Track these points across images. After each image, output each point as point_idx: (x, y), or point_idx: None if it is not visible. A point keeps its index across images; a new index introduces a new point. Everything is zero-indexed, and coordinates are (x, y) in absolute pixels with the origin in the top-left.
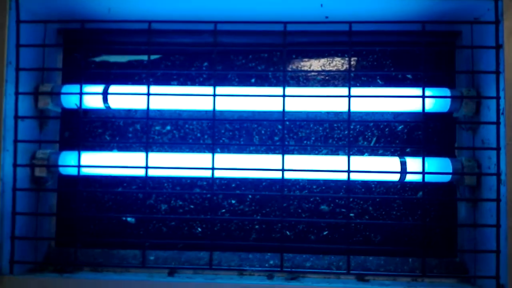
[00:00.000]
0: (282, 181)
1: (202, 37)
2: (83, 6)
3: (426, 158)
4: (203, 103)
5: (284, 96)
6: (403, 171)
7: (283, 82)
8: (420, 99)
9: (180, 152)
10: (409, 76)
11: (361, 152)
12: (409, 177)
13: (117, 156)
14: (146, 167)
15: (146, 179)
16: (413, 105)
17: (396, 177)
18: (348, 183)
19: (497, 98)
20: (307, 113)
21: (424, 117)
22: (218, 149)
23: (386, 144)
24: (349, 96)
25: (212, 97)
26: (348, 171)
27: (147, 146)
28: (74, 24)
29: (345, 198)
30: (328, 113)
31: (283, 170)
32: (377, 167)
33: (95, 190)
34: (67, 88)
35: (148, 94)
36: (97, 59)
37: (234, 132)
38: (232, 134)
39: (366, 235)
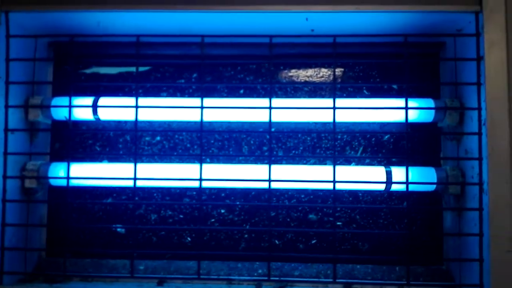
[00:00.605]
0: (269, 191)
1: (191, 48)
2: (73, 21)
3: (411, 168)
4: (192, 114)
5: (270, 108)
6: (389, 181)
7: (270, 94)
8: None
9: (170, 163)
10: (394, 86)
11: (348, 162)
12: (394, 186)
13: (107, 167)
14: (135, 178)
15: (135, 190)
16: (399, 116)
17: (382, 187)
18: (335, 192)
19: (479, 109)
20: (295, 123)
21: (408, 127)
22: (208, 159)
23: (373, 153)
24: (334, 108)
25: (200, 110)
26: (334, 181)
27: (136, 157)
28: (65, 37)
29: (333, 208)
30: (315, 123)
31: (269, 180)
32: (363, 177)
33: (84, 202)
34: (57, 100)
35: (137, 106)
36: (88, 71)
37: (223, 142)
38: (221, 144)
39: (354, 243)
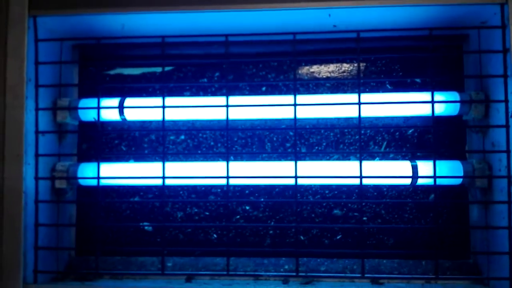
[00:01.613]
0: (296, 188)
1: (213, 48)
2: (97, 23)
3: (437, 162)
4: (216, 112)
5: (295, 105)
6: (415, 175)
7: (294, 91)
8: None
9: (195, 161)
10: (417, 80)
11: (372, 157)
12: (420, 181)
13: (134, 167)
14: (163, 177)
15: (162, 188)
16: (423, 109)
17: (408, 181)
18: (361, 188)
19: (506, 101)
20: (318, 119)
21: (434, 121)
22: (232, 157)
23: (397, 148)
24: (359, 103)
25: (225, 107)
26: (360, 177)
27: (164, 156)
28: (90, 40)
29: (359, 203)
30: (338, 119)
31: (296, 177)
32: (389, 172)
33: (113, 201)
34: (84, 102)
35: (164, 106)
36: (112, 72)
37: (246, 140)
38: (245, 142)
39: (380, 238)
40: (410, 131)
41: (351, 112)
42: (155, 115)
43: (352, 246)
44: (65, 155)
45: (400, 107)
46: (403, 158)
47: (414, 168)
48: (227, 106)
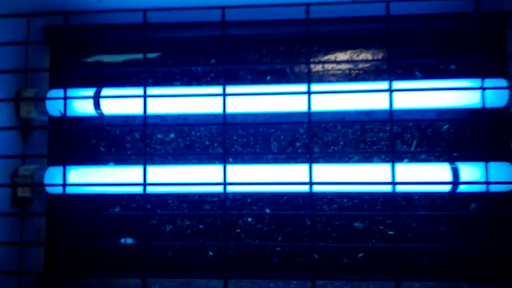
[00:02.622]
0: (311, 196)
1: (208, 29)
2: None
3: (479, 164)
4: (211, 105)
5: (309, 92)
6: (456, 181)
7: (308, 75)
8: (473, 93)
9: (186, 164)
10: (452, 67)
11: (399, 158)
12: (462, 186)
13: (113, 171)
14: (144, 184)
15: (145, 197)
16: (460, 100)
17: (446, 187)
18: (394, 195)
19: None
20: (334, 113)
21: (478, 113)
22: (230, 159)
23: (429, 147)
24: (391, 90)
25: (221, 98)
26: (393, 183)
27: (145, 157)
28: (61, 21)
29: (384, 214)
30: (358, 112)
31: (311, 183)
32: (424, 176)
33: (85, 214)
34: (53, 93)
35: (145, 95)
36: (89, 59)
37: (248, 138)
38: (246, 141)
39: (410, 256)
40: (445, 127)
41: (374, 103)
42: (138, 109)
43: (377, 265)
44: (30, 156)
45: (434, 99)
46: (438, 159)
47: (455, 172)
48: (224, 94)
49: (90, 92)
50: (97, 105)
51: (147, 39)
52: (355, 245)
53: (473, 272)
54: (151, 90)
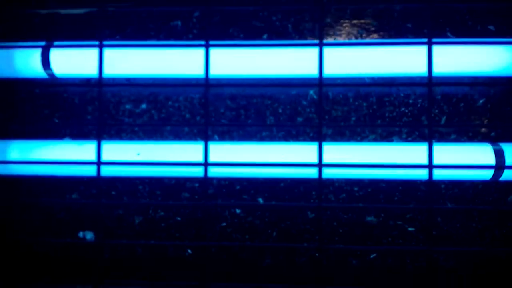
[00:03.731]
0: (319, 182)
1: None
2: None
3: None
4: (192, 66)
5: (321, 44)
6: (502, 165)
7: (319, 20)
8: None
9: (161, 142)
10: (491, 27)
11: (423, 137)
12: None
13: (68, 148)
14: (98, 163)
15: (108, 181)
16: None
17: (487, 173)
18: (430, 182)
19: None
20: (344, 80)
21: None
22: (216, 136)
23: (460, 123)
24: (430, 43)
25: (203, 52)
26: (430, 166)
27: (99, 130)
28: None
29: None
30: (375, 80)
31: (320, 165)
32: (462, 159)
33: (23, 200)
34: None
35: (101, 45)
36: (43, 11)
37: (238, 111)
38: (236, 115)
39: (433, 258)
40: (482, 100)
41: (397, 66)
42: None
43: (393, 268)
44: None
45: (469, 61)
46: (471, 139)
47: (499, 154)
48: (207, 45)
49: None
50: (46, 63)
51: None
52: (370, 248)
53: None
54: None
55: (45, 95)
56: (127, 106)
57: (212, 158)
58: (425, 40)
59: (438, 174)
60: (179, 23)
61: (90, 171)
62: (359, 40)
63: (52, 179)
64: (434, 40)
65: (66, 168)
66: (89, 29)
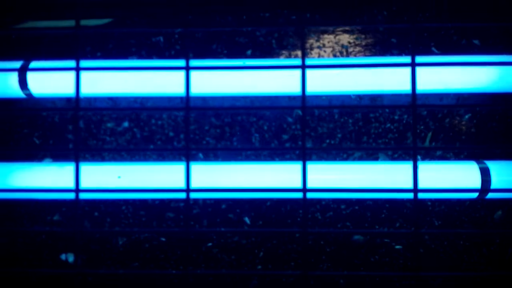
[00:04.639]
0: (304, 207)
1: None
2: None
3: (508, 163)
4: (176, 85)
5: (303, 67)
6: (485, 186)
7: (302, 46)
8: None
9: (143, 162)
10: (476, 42)
11: (408, 154)
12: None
13: (47, 170)
14: (77, 190)
15: (91, 203)
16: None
17: (473, 192)
18: (415, 202)
19: None
20: (330, 98)
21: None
22: (200, 154)
23: (446, 141)
24: (414, 64)
25: (184, 73)
26: (415, 190)
27: (77, 153)
28: None
29: (389, 224)
30: (360, 97)
31: (304, 190)
32: (446, 178)
33: (10, 230)
34: None
35: (78, 68)
36: (20, 25)
37: (223, 128)
38: (221, 132)
39: (419, 277)
40: (467, 116)
41: (381, 85)
42: (84, 88)
43: (382, 286)
44: None
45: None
46: (457, 156)
47: (485, 173)
48: (187, 68)
49: (15, 66)
50: (23, 83)
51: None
52: (357, 273)
53: None
54: (93, 64)
55: (24, 115)
56: (109, 125)
57: (196, 179)
58: (409, 61)
59: (424, 194)
60: (161, 38)
61: (71, 194)
62: (342, 62)
63: (32, 201)
64: (417, 61)
65: (46, 193)
66: (68, 47)
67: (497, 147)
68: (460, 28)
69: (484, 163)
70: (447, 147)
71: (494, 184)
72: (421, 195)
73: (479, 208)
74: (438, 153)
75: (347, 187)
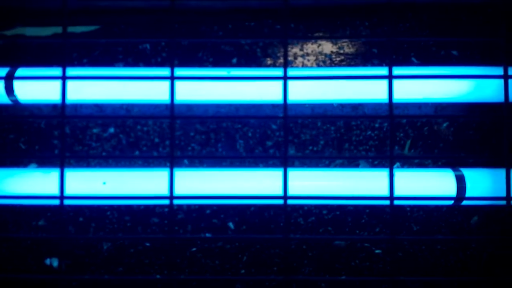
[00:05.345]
0: (285, 213)
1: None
2: None
3: (482, 170)
4: (161, 92)
5: (285, 78)
6: (462, 194)
7: (285, 56)
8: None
9: (128, 169)
10: (454, 52)
11: (388, 162)
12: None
13: (33, 176)
14: (62, 197)
15: (76, 209)
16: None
17: (449, 200)
18: (392, 209)
19: None
20: (313, 105)
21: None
22: (186, 161)
23: (425, 149)
24: (391, 77)
25: (169, 82)
26: (391, 198)
27: (63, 159)
28: None
29: (369, 229)
30: (342, 106)
31: (285, 197)
32: (423, 185)
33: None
34: None
35: (64, 77)
36: (8, 32)
37: (208, 135)
38: (206, 139)
39: (398, 282)
40: (445, 124)
41: (362, 94)
42: (70, 95)
43: None
44: None
45: (435, 90)
46: (435, 164)
47: (460, 181)
48: (172, 78)
49: (2, 73)
50: (9, 89)
51: (72, 7)
52: (337, 278)
53: None
54: (79, 72)
55: (9, 120)
56: (94, 130)
57: (180, 185)
58: (386, 74)
59: (401, 201)
60: (148, 46)
61: (55, 201)
62: (322, 73)
63: (18, 207)
64: (395, 73)
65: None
66: (55, 53)
67: (473, 156)
68: (442, 38)
69: (460, 171)
70: (423, 156)
71: (469, 191)
72: (397, 202)
73: (456, 214)
74: (416, 160)
75: (326, 195)
